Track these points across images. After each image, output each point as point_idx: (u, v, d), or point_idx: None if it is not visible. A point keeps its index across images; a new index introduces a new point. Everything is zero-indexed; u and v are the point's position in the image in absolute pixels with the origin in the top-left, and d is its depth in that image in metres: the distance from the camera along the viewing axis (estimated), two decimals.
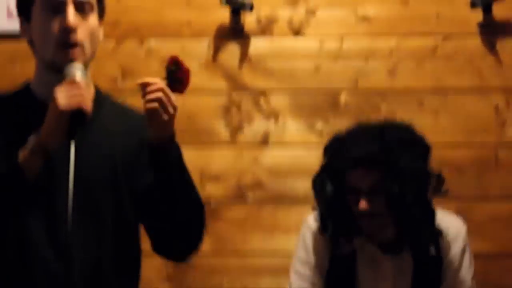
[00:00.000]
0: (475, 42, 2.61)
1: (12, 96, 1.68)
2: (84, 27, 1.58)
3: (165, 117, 1.54)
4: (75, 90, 1.51)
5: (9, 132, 1.59)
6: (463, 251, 2.19)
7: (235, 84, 2.69)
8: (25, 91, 1.68)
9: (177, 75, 1.60)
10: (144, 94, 1.53)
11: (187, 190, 1.67)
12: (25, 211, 1.60)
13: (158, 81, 1.54)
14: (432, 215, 2.16)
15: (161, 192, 1.62)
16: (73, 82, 1.53)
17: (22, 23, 1.66)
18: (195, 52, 2.61)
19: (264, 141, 2.68)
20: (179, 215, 1.65)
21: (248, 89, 2.68)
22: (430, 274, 2.18)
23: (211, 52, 2.62)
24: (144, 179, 1.65)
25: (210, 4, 2.62)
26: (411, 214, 2.12)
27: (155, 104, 1.53)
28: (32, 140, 1.53)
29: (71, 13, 1.55)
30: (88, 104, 1.52)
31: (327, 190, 2.15)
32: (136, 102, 2.75)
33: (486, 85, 2.62)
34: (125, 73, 2.66)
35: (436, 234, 2.16)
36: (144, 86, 1.53)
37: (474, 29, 2.59)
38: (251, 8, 2.56)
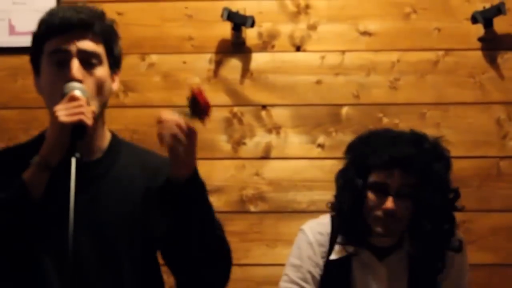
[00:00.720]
0: (476, 56, 2.63)
1: (29, 144, 1.69)
2: (90, 80, 1.58)
3: (182, 151, 1.51)
4: (75, 104, 1.51)
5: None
6: (462, 262, 2.18)
7: (236, 98, 2.71)
8: (40, 140, 1.65)
9: (198, 107, 1.59)
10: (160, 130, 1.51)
11: (208, 231, 1.63)
12: (34, 235, 1.57)
13: (173, 117, 1.51)
14: (455, 224, 2.18)
15: (179, 232, 1.61)
16: (72, 98, 1.53)
17: (35, 76, 1.68)
18: (196, 67, 2.62)
19: (266, 154, 2.70)
20: (201, 255, 1.62)
21: (250, 103, 2.70)
22: (426, 281, 2.16)
23: (213, 67, 2.63)
24: (162, 225, 1.63)
25: (212, 19, 2.64)
26: (439, 221, 2.13)
27: (169, 141, 1.50)
28: (35, 159, 1.53)
29: (75, 67, 1.56)
30: (88, 118, 1.51)
31: (357, 184, 2.15)
32: (138, 115, 2.77)
33: (488, 98, 2.63)
34: (127, 88, 2.66)
35: (460, 244, 2.18)
36: (160, 122, 1.51)
37: (475, 43, 2.62)
38: (253, 23, 2.58)
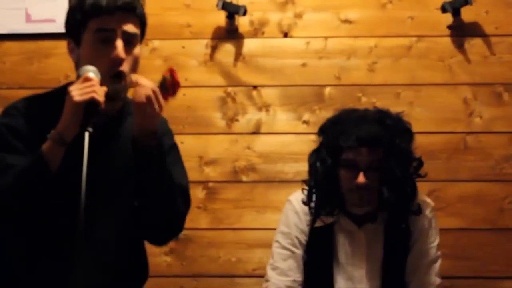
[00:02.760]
0: (445, 42, 2.76)
1: (53, 94, 1.80)
2: (130, 58, 1.68)
3: (150, 111, 1.65)
4: (87, 85, 1.60)
5: (47, 127, 1.66)
6: (430, 225, 2.33)
7: (230, 79, 2.83)
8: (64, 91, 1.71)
9: (168, 84, 1.75)
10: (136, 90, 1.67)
11: (166, 179, 1.76)
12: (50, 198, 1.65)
13: (151, 84, 1.67)
14: (416, 191, 2.30)
15: (143, 178, 1.74)
16: (86, 79, 1.61)
17: (70, 43, 1.77)
18: (194, 52, 2.73)
19: (257, 130, 2.83)
20: (157, 202, 1.76)
21: (242, 84, 2.81)
22: (400, 244, 2.30)
23: (209, 51, 2.74)
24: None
25: (208, 8, 2.75)
26: (402, 189, 2.26)
27: (143, 99, 1.64)
28: (52, 133, 1.62)
29: (120, 46, 1.66)
30: (100, 96, 1.59)
31: (327, 164, 2.27)
32: None
33: (455, 80, 2.77)
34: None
35: (419, 208, 2.31)
36: (137, 84, 1.66)
37: (445, 30, 2.76)
38: (245, 12, 2.69)
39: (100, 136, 1.69)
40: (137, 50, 1.72)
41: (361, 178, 2.17)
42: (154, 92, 1.65)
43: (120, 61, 1.66)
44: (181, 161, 1.95)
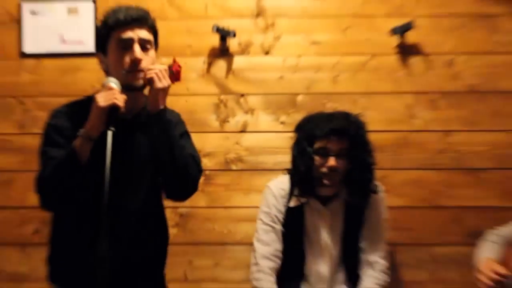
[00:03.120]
0: (393, 59, 2.97)
1: (85, 102, 1.93)
2: (147, 58, 1.86)
3: (159, 85, 1.81)
4: (110, 93, 1.76)
5: (81, 126, 1.81)
6: (381, 203, 2.59)
7: (223, 89, 3.00)
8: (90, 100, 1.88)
9: (172, 69, 1.97)
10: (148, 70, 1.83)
11: (178, 147, 1.89)
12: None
13: (159, 66, 1.84)
14: (374, 174, 2.51)
15: (159, 146, 1.88)
16: (109, 88, 1.78)
17: (100, 56, 1.95)
18: (194, 67, 2.88)
19: (243, 129, 3.01)
20: (175, 165, 1.88)
21: (232, 92, 2.99)
22: (356, 217, 2.54)
23: (206, 66, 2.90)
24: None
25: (205, 32, 2.91)
26: (365, 172, 2.51)
27: (153, 74, 1.81)
28: (81, 131, 1.78)
29: (137, 50, 1.85)
30: (120, 102, 1.73)
31: (307, 152, 2.46)
32: None
33: (401, 89, 2.99)
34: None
35: (376, 188, 2.53)
36: (149, 69, 1.83)
37: (393, 50, 2.96)
38: (234, 35, 2.88)
39: (128, 126, 1.91)
40: (151, 53, 1.89)
41: (332, 161, 2.40)
42: (161, 70, 1.83)
43: (138, 61, 1.83)
44: (192, 142, 2.09)
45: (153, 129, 1.86)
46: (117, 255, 1.70)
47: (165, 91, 1.85)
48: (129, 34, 1.85)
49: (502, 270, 2.33)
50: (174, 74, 2.00)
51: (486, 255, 2.47)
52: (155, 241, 2.03)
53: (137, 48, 1.84)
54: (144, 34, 1.87)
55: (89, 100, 1.85)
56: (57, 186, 1.77)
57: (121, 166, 1.77)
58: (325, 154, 2.42)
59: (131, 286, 1.96)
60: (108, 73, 1.90)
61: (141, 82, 1.86)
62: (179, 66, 2.00)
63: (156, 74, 1.82)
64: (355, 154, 2.46)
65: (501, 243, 2.53)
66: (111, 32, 1.87)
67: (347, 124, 2.46)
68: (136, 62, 1.83)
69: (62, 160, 1.76)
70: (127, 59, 1.84)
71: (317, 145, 2.43)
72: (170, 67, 1.97)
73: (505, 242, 2.53)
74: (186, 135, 2.09)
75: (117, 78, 1.83)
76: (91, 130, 1.76)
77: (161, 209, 2.09)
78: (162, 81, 1.83)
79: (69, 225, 1.92)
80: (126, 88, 1.83)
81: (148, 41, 1.88)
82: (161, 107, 1.86)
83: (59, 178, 1.76)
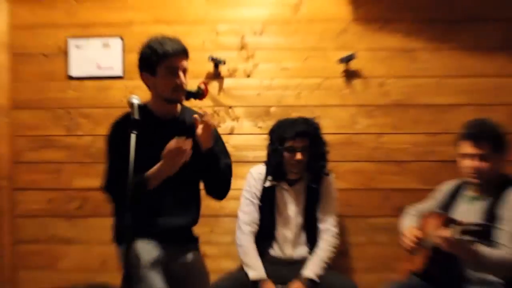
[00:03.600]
0: (341, 81, 3.43)
1: (140, 111, 2.09)
2: (185, 81, 2.15)
3: (209, 136, 2.09)
4: (179, 157, 2.03)
5: (143, 132, 2.04)
6: (332, 185, 2.96)
7: (216, 102, 3.40)
8: (147, 108, 2.21)
9: (201, 90, 2.20)
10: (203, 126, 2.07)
11: (220, 167, 2.26)
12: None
13: (212, 123, 2.08)
14: (327, 163, 2.87)
15: (208, 167, 2.23)
16: (132, 105, 1.99)
17: (145, 74, 2.17)
18: (194, 87, 2.49)
19: (231, 132, 3.41)
20: (218, 177, 2.29)
21: (223, 105, 3.39)
22: (315, 196, 2.89)
23: (203, 87, 2.50)
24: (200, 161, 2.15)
25: (203, 61, 3.33)
26: (321, 162, 2.87)
27: (208, 129, 2.08)
28: (155, 173, 2.08)
29: (182, 76, 2.16)
30: (187, 155, 2.02)
31: (278, 150, 2.84)
32: None
33: (346, 103, 3.43)
34: None
35: (328, 172, 2.90)
36: (204, 118, 2.06)
37: (341, 74, 3.40)
38: (224, 63, 3.32)
39: (167, 127, 2.20)
40: (187, 76, 2.18)
41: (298, 156, 2.79)
42: (210, 127, 2.13)
43: (182, 85, 2.16)
44: (224, 145, 2.37)
45: (206, 158, 2.18)
46: (167, 221, 2.13)
47: (212, 139, 2.15)
48: (175, 63, 2.15)
49: (419, 234, 2.65)
50: (202, 94, 2.22)
51: (408, 224, 2.81)
52: (191, 212, 2.40)
53: (181, 75, 2.17)
54: (186, 64, 2.19)
55: (143, 107, 2.14)
56: (122, 195, 2.02)
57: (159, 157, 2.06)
58: (293, 150, 2.81)
59: (179, 244, 2.36)
60: (154, 88, 2.22)
61: (183, 98, 2.21)
62: (207, 89, 2.23)
63: (209, 130, 2.08)
64: (314, 149, 2.85)
65: (418, 215, 2.86)
66: (160, 61, 2.14)
67: (308, 127, 2.85)
68: (181, 85, 2.18)
69: (132, 186, 1.96)
70: (174, 83, 2.15)
71: (286, 144, 2.82)
72: (199, 89, 2.21)
73: (421, 215, 2.85)
74: (220, 140, 2.37)
75: (163, 93, 2.17)
76: (154, 180, 2.11)
77: (197, 193, 2.41)
78: (210, 134, 2.09)
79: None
80: (169, 101, 2.20)
81: (187, 69, 2.20)
82: (211, 145, 2.17)
83: (125, 194, 1.98)
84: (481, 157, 2.60)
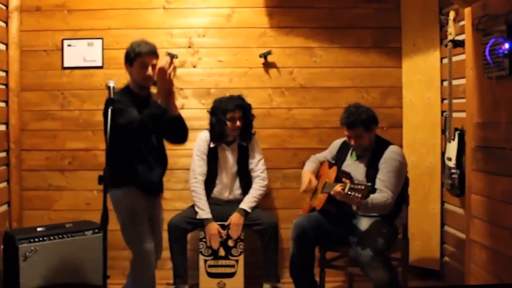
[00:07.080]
0: (261, 70, 4.47)
1: (124, 89, 2.83)
2: (153, 74, 2.77)
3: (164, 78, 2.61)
4: (166, 77, 2.60)
5: (131, 104, 2.76)
6: (258, 144, 3.97)
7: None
8: (129, 88, 2.92)
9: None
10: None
11: (178, 120, 2.86)
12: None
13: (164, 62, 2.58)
14: (252, 128, 3.82)
15: (177, 124, 2.89)
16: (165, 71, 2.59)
17: (127, 65, 2.86)
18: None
19: (182, 107, 4.30)
20: (176, 129, 2.93)
21: (176, 88, 3.50)
22: (245, 153, 3.94)
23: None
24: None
25: (161, 55, 3.39)
26: (249, 127, 3.94)
27: (161, 67, 2.59)
28: (156, 96, 2.70)
29: (150, 70, 2.83)
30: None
31: (221, 120, 3.78)
32: None
33: (264, 86, 4.47)
34: None
35: (254, 135, 3.88)
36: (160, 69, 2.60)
37: (261, 65, 4.44)
38: (177, 57, 4.22)
39: (145, 99, 2.88)
40: (155, 70, 2.77)
41: (238, 123, 3.80)
42: (164, 68, 2.63)
43: (150, 76, 2.79)
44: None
45: (178, 119, 2.87)
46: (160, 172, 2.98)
47: (168, 82, 2.66)
48: (147, 60, 2.80)
49: (313, 179, 3.49)
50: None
51: (307, 169, 3.70)
52: (165, 164, 3.18)
53: (150, 69, 2.85)
54: (155, 60, 2.87)
55: (127, 88, 2.86)
56: (149, 126, 2.65)
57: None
58: (233, 120, 3.85)
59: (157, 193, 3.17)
60: (131, 75, 2.90)
61: (150, 84, 2.91)
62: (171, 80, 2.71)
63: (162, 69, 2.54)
64: (246, 118, 3.91)
65: (316, 162, 3.75)
66: (136, 57, 2.81)
67: (242, 102, 3.91)
68: (149, 76, 2.85)
69: (155, 113, 2.58)
70: (144, 74, 2.82)
71: (228, 115, 3.84)
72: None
73: (318, 162, 3.74)
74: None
75: (137, 80, 2.81)
76: (160, 100, 2.68)
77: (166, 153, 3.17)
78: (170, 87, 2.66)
79: (136, 154, 2.89)
80: (141, 86, 2.87)
81: (155, 65, 2.86)
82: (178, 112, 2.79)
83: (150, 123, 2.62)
84: (356, 137, 3.41)
